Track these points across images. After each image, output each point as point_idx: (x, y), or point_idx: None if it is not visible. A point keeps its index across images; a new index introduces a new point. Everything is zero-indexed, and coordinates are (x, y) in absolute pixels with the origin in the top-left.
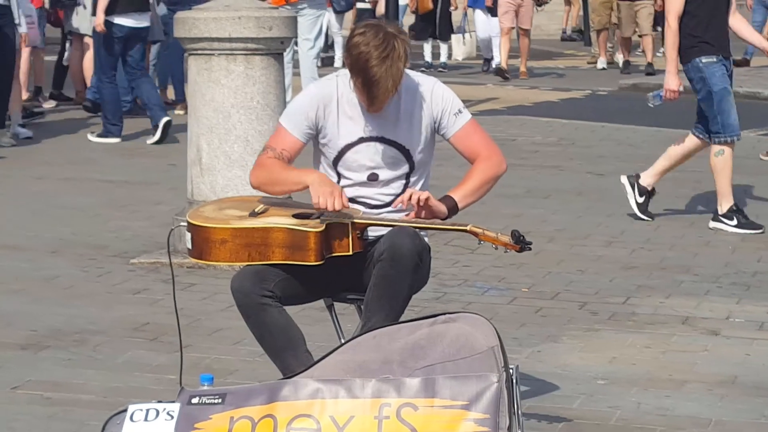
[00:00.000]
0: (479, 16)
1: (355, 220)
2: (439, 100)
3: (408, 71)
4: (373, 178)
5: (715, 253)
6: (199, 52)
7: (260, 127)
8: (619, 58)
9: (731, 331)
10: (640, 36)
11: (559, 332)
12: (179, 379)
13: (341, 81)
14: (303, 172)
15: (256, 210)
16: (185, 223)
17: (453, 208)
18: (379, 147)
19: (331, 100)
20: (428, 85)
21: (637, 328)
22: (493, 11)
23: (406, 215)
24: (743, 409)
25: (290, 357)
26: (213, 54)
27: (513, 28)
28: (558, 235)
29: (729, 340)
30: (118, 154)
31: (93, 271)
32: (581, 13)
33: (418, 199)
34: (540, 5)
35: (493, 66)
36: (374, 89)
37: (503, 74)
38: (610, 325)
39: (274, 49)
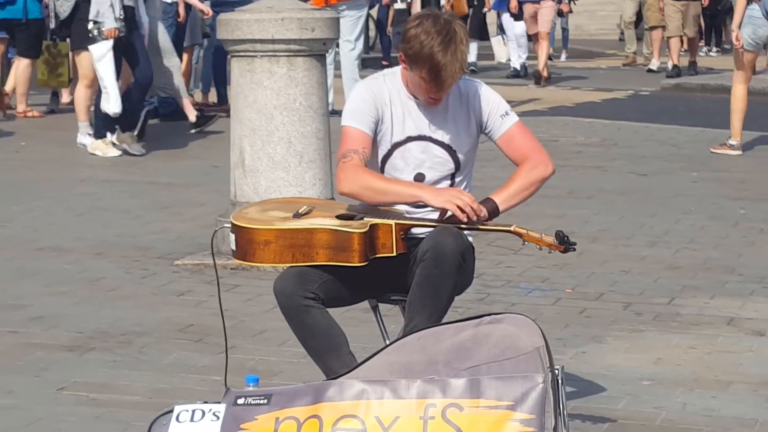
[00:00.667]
0: (506, 19)
1: (399, 221)
2: (485, 102)
3: None
4: (419, 179)
5: (759, 253)
6: (242, 53)
7: (303, 128)
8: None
9: None
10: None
11: (604, 333)
12: (224, 380)
13: (389, 80)
14: (413, 186)
15: (299, 211)
16: (229, 225)
17: (494, 211)
18: (426, 146)
19: (383, 96)
20: (474, 88)
21: (681, 328)
22: (516, 16)
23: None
24: None
25: (333, 359)
26: (256, 56)
27: (548, 32)
28: (601, 236)
29: None
30: (161, 156)
31: (137, 272)
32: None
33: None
34: (562, 15)
35: (512, 70)
36: (442, 74)
37: (539, 79)
38: (655, 325)
39: (317, 51)
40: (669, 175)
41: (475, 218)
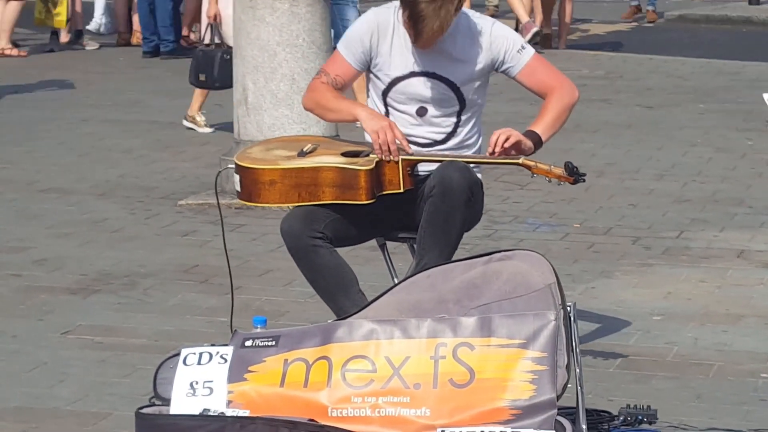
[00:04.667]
0: None
1: (405, 156)
2: (500, 40)
3: (467, 11)
4: (421, 113)
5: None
6: None
7: (306, 65)
8: None
9: None
10: None
11: (613, 268)
12: (230, 322)
13: (399, 11)
14: (354, 105)
15: (304, 149)
16: (233, 165)
17: (538, 142)
18: (430, 83)
19: (387, 27)
20: (487, 26)
21: (691, 262)
22: None
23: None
24: None
25: (343, 298)
26: None
27: None
28: (608, 170)
29: None
30: (163, 95)
31: (141, 213)
32: None
33: (506, 140)
34: None
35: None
36: (419, 25)
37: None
38: (664, 259)
39: None
40: (675, 107)
41: (388, 158)
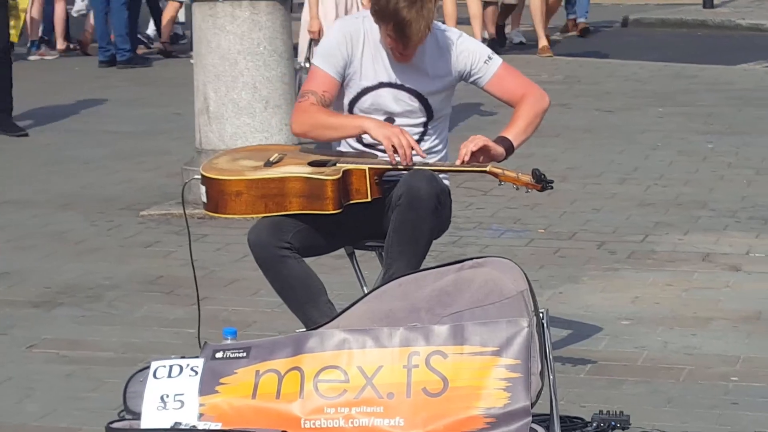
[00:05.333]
0: None
1: (372, 165)
2: (467, 52)
3: (434, 23)
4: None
5: (730, 187)
6: None
7: (268, 73)
8: None
9: (752, 266)
10: None
11: (579, 273)
12: (197, 334)
13: (368, 21)
14: (357, 117)
15: (270, 159)
16: (199, 176)
17: (509, 149)
18: (398, 94)
19: (358, 37)
20: (454, 38)
21: (657, 266)
22: None
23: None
24: None
25: (312, 308)
26: (218, 0)
27: None
28: (570, 174)
29: (751, 275)
30: (121, 105)
31: (103, 224)
32: None
33: (474, 146)
34: None
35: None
36: (407, 31)
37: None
38: (630, 263)
39: None
40: (635, 111)
41: (405, 163)
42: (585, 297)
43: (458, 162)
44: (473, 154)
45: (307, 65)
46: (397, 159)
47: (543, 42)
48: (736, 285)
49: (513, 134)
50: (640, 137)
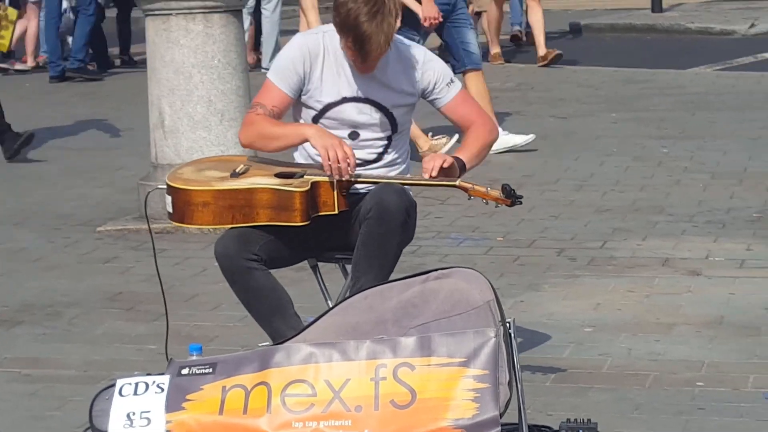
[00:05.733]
0: None
1: (344, 177)
2: (431, 70)
3: (398, 38)
4: (353, 137)
5: (686, 192)
6: (157, 12)
7: (222, 86)
8: None
9: (712, 270)
10: None
11: (540, 280)
12: (165, 350)
13: (328, 36)
14: (300, 126)
15: (237, 170)
16: (163, 186)
17: (462, 168)
18: (362, 108)
19: (318, 53)
20: (419, 54)
21: (617, 272)
22: None
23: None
24: (733, 349)
25: (279, 321)
26: (171, 14)
27: None
28: (527, 181)
29: (711, 279)
30: (73, 120)
31: (60, 241)
32: None
33: (442, 165)
34: None
35: None
36: (366, 46)
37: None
38: (591, 270)
39: (233, 6)
40: (588, 117)
41: (338, 176)
42: (547, 305)
43: (426, 176)
44: (443, 168)
45: None
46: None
47: (495, 49)
48: (696, 290)
49: (467, 157)
50: (595, 143)
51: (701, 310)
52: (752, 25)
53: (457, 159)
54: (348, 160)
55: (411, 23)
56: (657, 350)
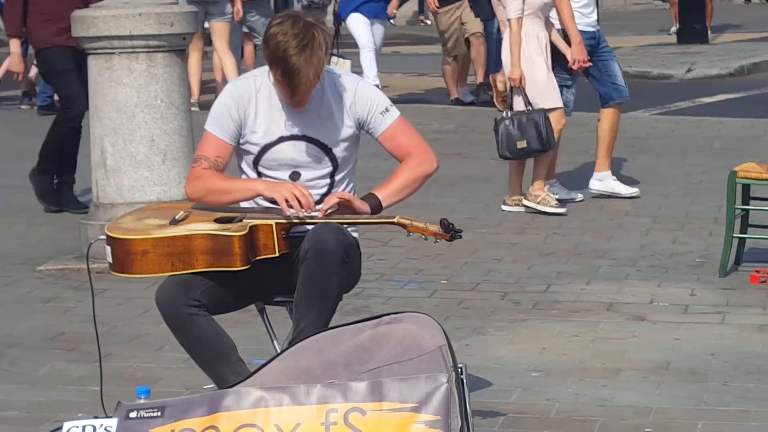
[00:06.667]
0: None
1: (279, 220)
2: (364, 100)
3: (331, 69)
4: (294, 178)
5: (628, 236)
6: (99, 51)
7: (165, 126)
8: None
9: (657, 315)
10: None
11: (485, 324)
12: (100, 392)
13: (259, 78)
14: (250, 180)
15: (176, 217)
16: (104, 237)
17: (376, 207)
18: (301, 146)
19: (250, 97)
20: (352, 84)
21: (562, 316)
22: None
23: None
24: (681, 395)
25: (223, 367)
26: (114, 53)
27: None
28: (469, 224)
29: (656, 324)
30: (12, 158)
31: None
32: None
33: (344, 202)
34: None
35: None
36: (295, 79)
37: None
38: (535, 314)
39: (176, 46)
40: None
41: (301, 212)
42: (492, 349)
43: (320, 214)
44: (339, 208)
45: None
46: (292, 211)
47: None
48: (642, 335)
49: (384, 193)
50: None
51: (647, 355)
52: (689, 70)
53: (371, 197)
54: (306, 196)
55: (562, 64)
56: (604, 396)
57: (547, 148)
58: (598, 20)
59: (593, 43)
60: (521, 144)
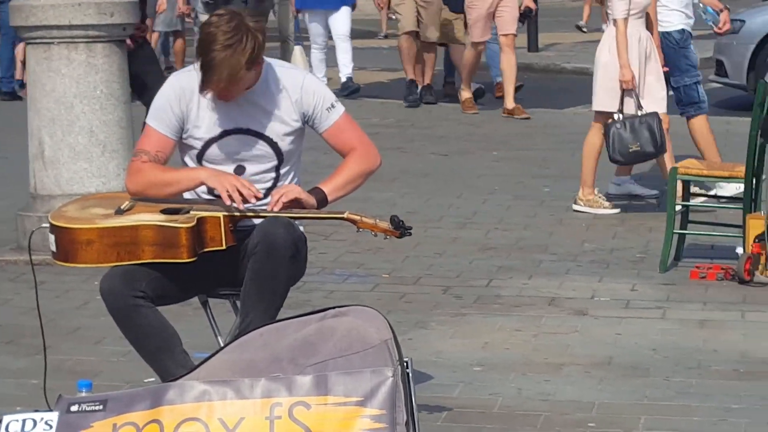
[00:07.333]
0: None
1: (227, 212)
2: (310, 95)
3: (276, 63)
4: (239, 172)
5: (569, 231)
6: (38, 41)
7: (105, 117)
8: None
9: (598, 310)
10: None
11: (427, 318)
12: (44, 385)
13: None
14: (193, 169)
15: (122, 207)
16: (47, 225)
17: (322, 201)
18: (245, 140)
19: (192, 91)
20: (298, 79)
21: (504, 311)
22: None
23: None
24: (623, 390)
25: (167, 358)
26: (52, 43)
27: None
28: (410, 219)
29: (597, 320)
30: None
31: None
32: None
33: (290, 196)
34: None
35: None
36: (208, 73)
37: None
38: (477, 308)
39: (116, 36)
40: (470, 154)
41: (241, 205)
42: (435, 343)
43: (268, 209)
44: (285, 204)
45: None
46: (234, 204)
47: (467, 95)
48: (584, 330)
49: (330, 188)
50: (477, 181)
51: (589, 350)
52: None
53: (317, 191)
54: (248, 187)
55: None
56: (547, 390)
57: (660, 151)
58: None
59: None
60: (634, 147)
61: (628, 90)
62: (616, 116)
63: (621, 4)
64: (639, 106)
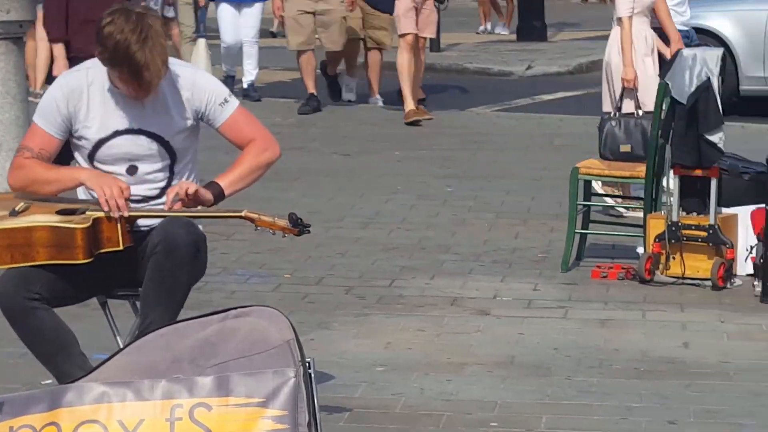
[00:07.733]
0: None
1: (124, 213)
2: (201, 91)
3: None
4: (132, 171)
5: (471, 231)
6: None
7: (1, 116)
8: None
9: (501, 310)
10: None
11: (330, 318)
12: None
13: (92, 72)
14: (74, 169)
15: (16, 208)
16: None
17: (219, 195)
18: (136, 139)
19: (81, 91)
20: (189, 75)
21: (407, 311)
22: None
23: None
24: (525, 389)
25: (64, 360)
26: None
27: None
28: (312, 218)
29: (500, 319)
30: None
31: None
32: None
33: (186, 192)
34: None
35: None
36: (145, 73)
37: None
38: (380, 309)
39: (13, 33)
40: (373, 154)
41: (117, 212)
42: (337, 343)
43: (166, 207)
44: (183, 202)
45: None
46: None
47: (410, 105)
48: (486, 329)
49: (227, 181)
50: (380, 181)
51: (492, 350)
52: (529, 67)
53: (214, 185)
54: (124, 195)
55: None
56: (449, 390)
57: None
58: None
59: (687, 42)
60: (625, 148)
61: (628, 89)
62: (612, 113)
63: (625, 2)
64: (638, 106)
